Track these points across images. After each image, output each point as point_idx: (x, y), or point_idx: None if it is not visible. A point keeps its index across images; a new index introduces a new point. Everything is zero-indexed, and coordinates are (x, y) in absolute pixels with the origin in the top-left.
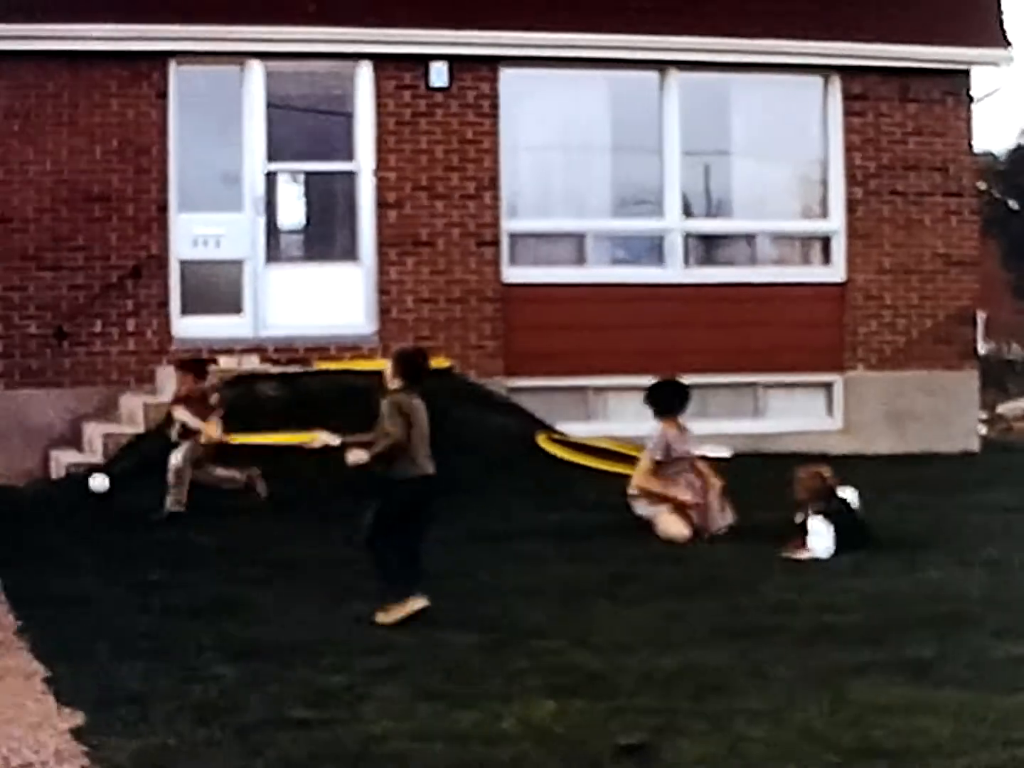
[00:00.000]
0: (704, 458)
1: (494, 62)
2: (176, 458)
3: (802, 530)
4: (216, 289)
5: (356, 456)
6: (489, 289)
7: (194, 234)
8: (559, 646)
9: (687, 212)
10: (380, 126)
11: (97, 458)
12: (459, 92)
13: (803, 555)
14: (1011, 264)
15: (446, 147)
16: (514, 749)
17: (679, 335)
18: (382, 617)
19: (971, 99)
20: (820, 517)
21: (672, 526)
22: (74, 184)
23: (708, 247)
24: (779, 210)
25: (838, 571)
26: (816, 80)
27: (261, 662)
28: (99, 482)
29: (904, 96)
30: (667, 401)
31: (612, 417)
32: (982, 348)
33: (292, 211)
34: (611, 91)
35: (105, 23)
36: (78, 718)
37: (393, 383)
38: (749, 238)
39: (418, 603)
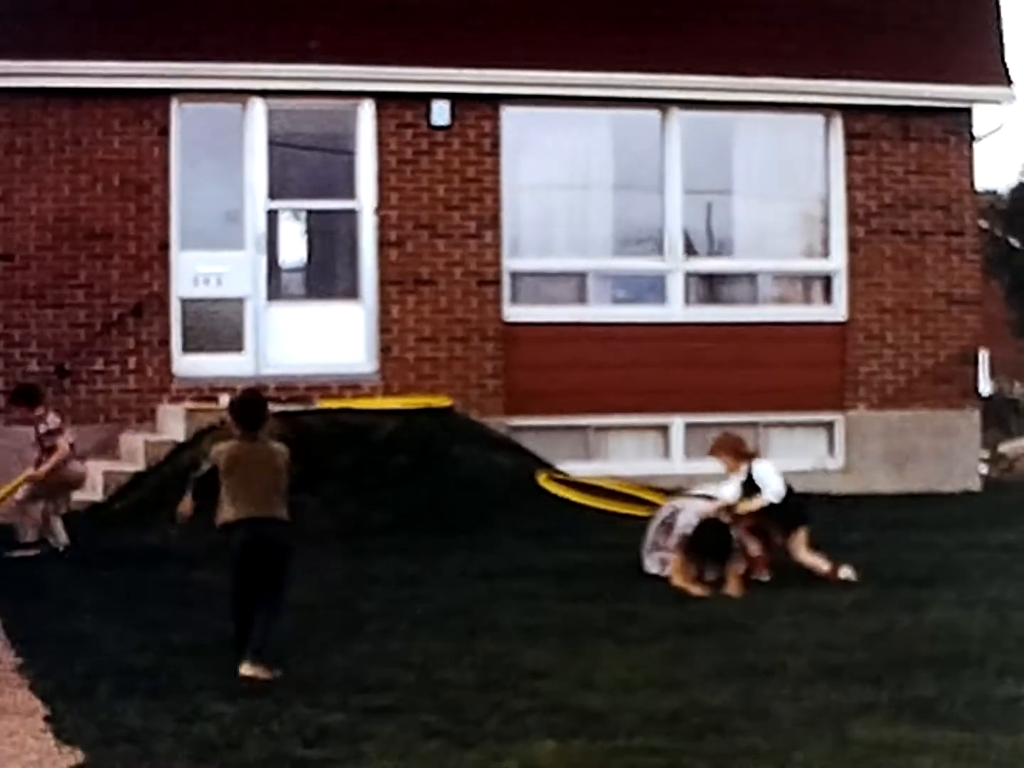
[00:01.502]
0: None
1: (496, 100)
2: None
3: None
4: (217, 327)
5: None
6: (490, 328)
7: (196, 272)
8: (559, 686)
9: (689, 251)
10: (382, 164)
11: (98, 495)
12: (461, 130)
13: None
14: (1014, 303)
15: (448, 186)
16: None
17: (680, 374)
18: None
19: (973, 137)
20: (764, 463)
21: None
22: (76, 221)
23: (710, 286)
24: (781, 249)
25: (838, 610)
26: (818, 119)
27: (260, 700)
28: None
29: (906, 134)
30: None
31: (613, 456)
32: (986, 387)
33: (294, 249)
34: (613, 129)
35: (108, 61)
36: (78, 756)
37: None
38: (751, 277)
39: (247, 671)
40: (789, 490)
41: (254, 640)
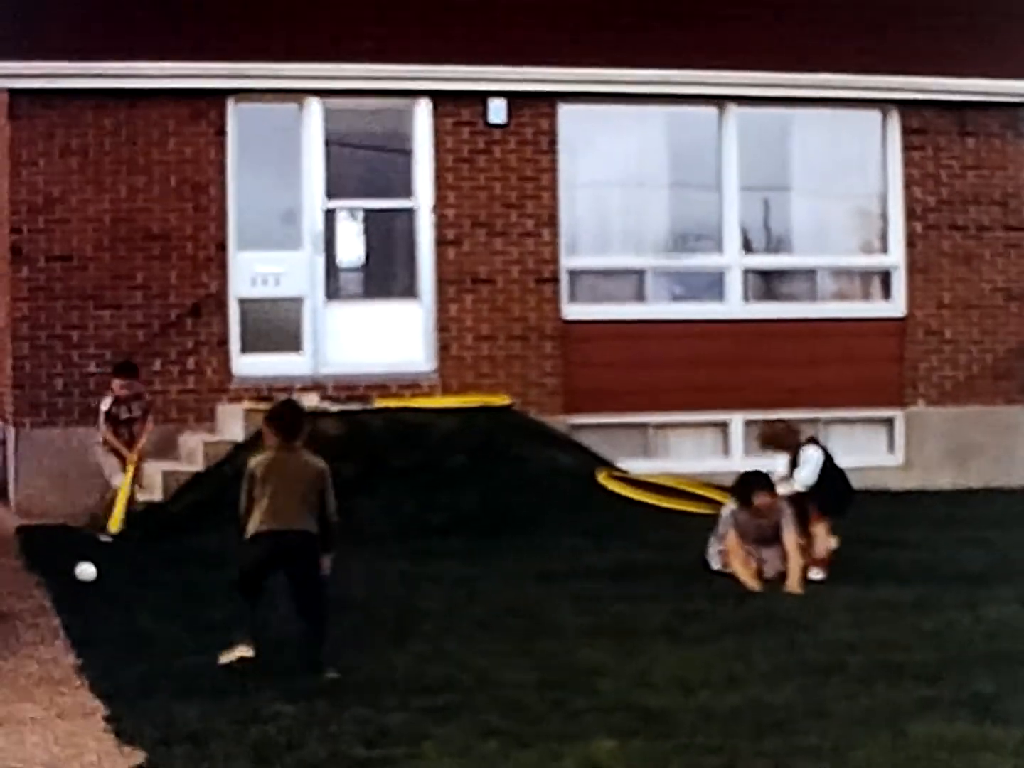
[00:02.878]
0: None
1: (552, 98)
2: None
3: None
4: (275, 327)
5: None
6: (549, 326)
7: (253, 272)
8: (618, 685)
9: (746, 247)
10: (439, 163)
11: (157, 496)
12: (517, 128)
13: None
14: None
15: (505, 184)
16: None
17: (739, 371)
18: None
19: None
20: (811, 449)
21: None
22: (133, 222)
23: (768, 282)
24: (839, 245)
25: (897, 608)
26: (875, 114)
27: (320, 701)
28: (84, 569)
29: (963, 130)
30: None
31: (673, 454)
32: None
33: (351, 248)
34: (669, 126)
35: (163, 61)
36: (139, 757)
37: (270, 442)
38: (809, 273)
39: (239, 651)
40: (842, 481)
41: (309, 651)
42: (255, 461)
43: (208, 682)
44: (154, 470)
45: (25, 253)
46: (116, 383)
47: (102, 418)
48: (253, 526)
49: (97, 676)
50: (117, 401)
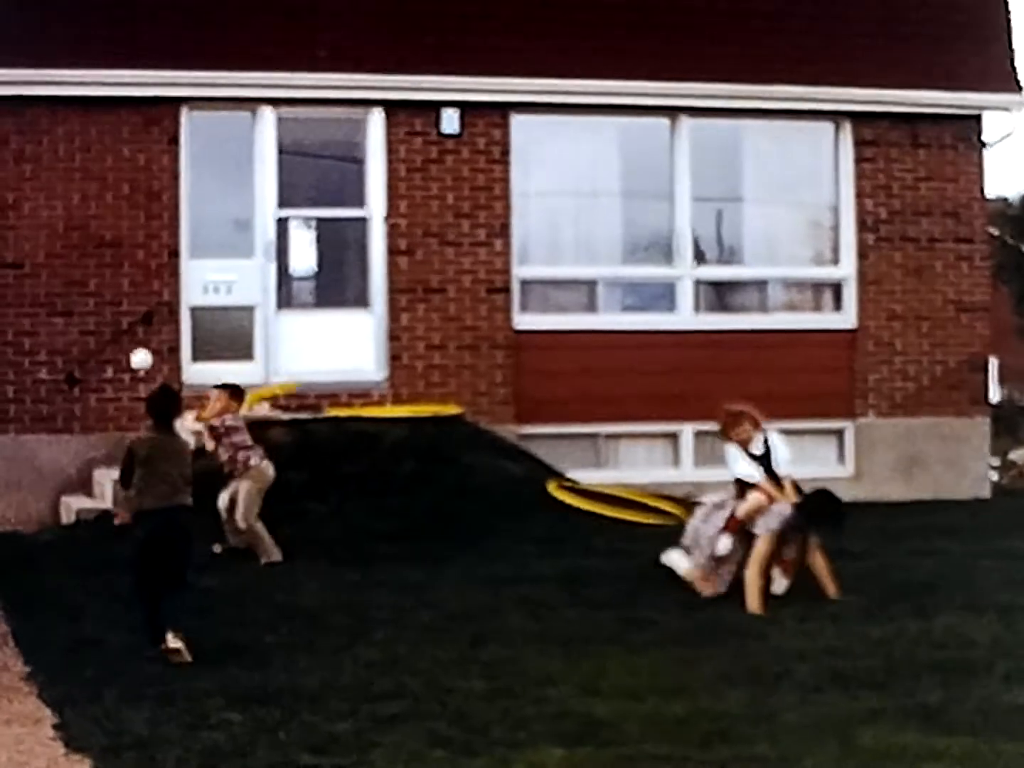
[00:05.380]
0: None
1: (505, 108)
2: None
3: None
4: (227, 335)
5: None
6: (500, 336)
7: (205, 280)
8: (566, 693)
9: (698, 258)
10: (391, 172)
11: (107, 503)
12: (470, 138)
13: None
14: (1023, 310)
15: (457, 193)
16: None
17: (690, 381)
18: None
19: (982, 144)
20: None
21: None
22: (85, 229)
23: (719, 293)
24: (790, 256)
25: (846, 617)
26: (827, 126)
27: (268, 708)
28: (141, 357)
29: (915, 141)
30: None
31: (623, 464)
32: (995, 394)
33: (303, 257)
34: (622, 137)
35: (117, 69)
36: (86, 764)
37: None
38: (760, 284)
39: (174, 645)
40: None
41: (171, 616)
42: (137, 442)
43: (156, 689)
44: (105, 478)
45: None
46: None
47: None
48: (148, 503)
49: (45, 682)
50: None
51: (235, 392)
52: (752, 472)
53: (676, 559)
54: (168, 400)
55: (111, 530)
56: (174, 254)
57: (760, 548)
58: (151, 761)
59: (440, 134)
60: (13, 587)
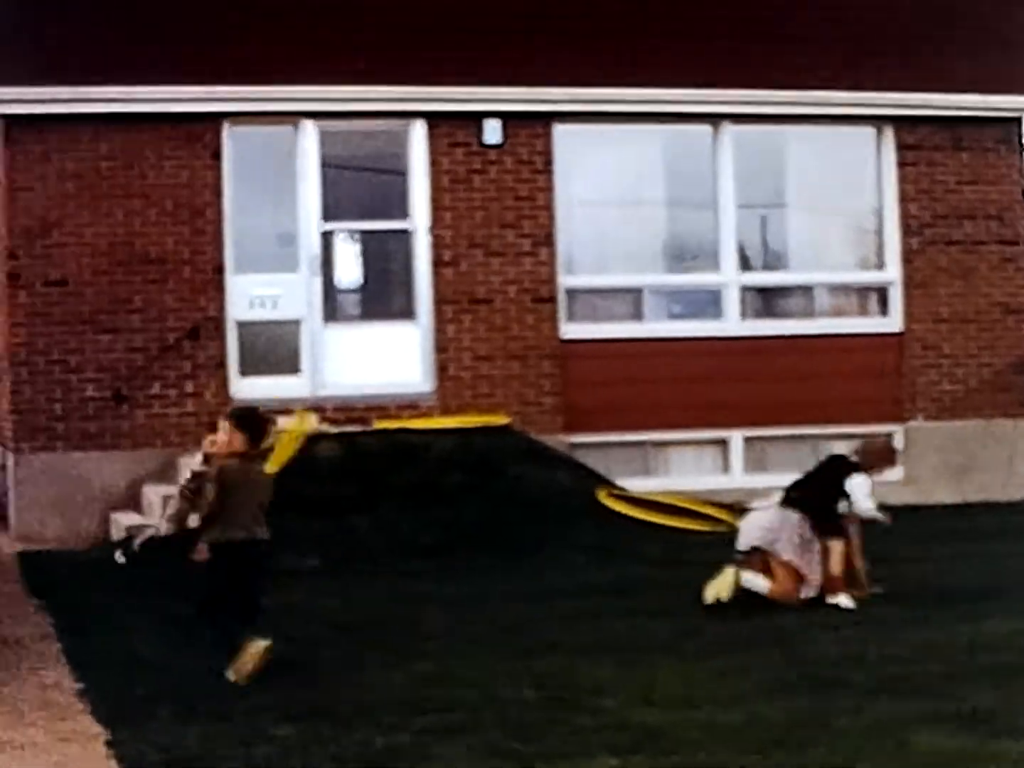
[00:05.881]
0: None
1: (547, 118)
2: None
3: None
4: (274, 349)
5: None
6: (547, 345)
7: (251, 295)
8: (621, 702)
9: (744, 265)
10: (434, 184)
11: (156, 520)
12: (513, 149)
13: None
14: None
15: (501, 204)
16: None
17: (737, 388)
18: (234, 675)
19: (1023, 147)
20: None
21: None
22: (130, 246)
23: (765, 299)
24: (836, 261)
25: (897, 622)
26: (869, 131)
27: (321, 722)
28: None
29: (957, 145)
30: None
31: (672, 471)
32: None
33: (348, 270)
34: (665, 145)
35: (158, 85)
36: None
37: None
38: (806, 290)
39: (260, 643)
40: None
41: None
42: (227, 468)
43: (211, 704)
44: (153, 494)
45: (22, 278)
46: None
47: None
48: (231, 534)
49: (99, 700)
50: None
51: (244, 422)
52: (876, 513)
53: (753, 579)
54: (262, 422)
55: (159, 546)
56: (219, 269)
57: (840, 547)
58: None
59: (482, 145)
60: (65, 604)
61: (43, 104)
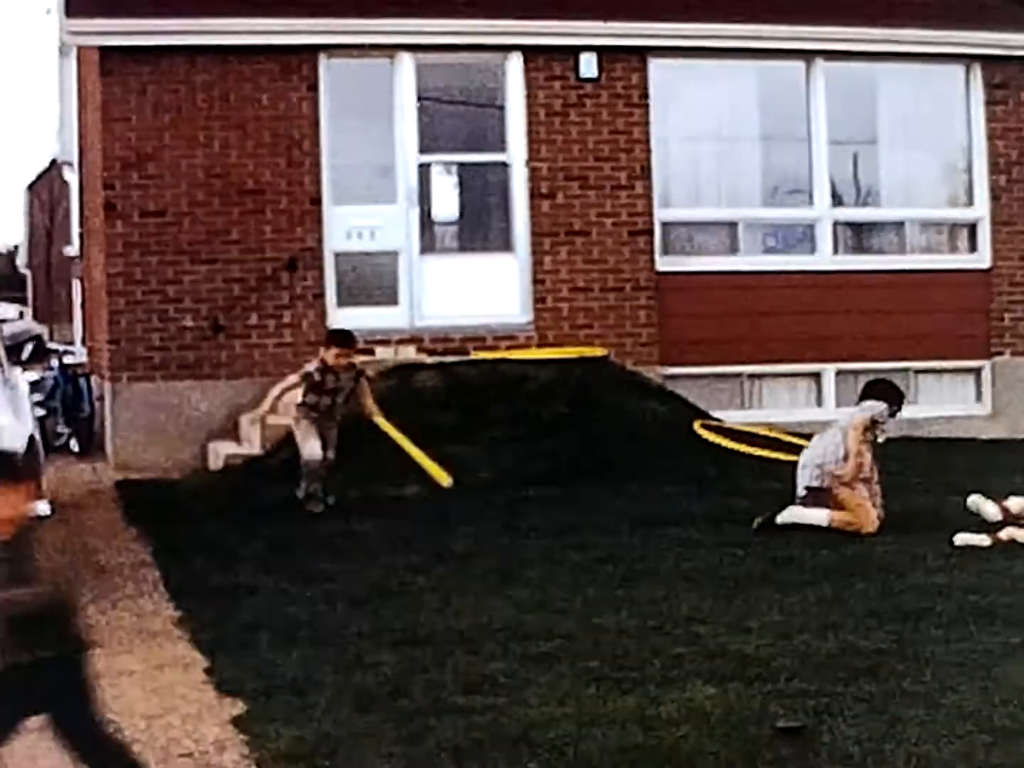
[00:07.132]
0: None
1: (643, 53)
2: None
3: None
4: (371, 281)
5: None
6: (643, 278)
7: (348, 226)
8: (717, 631)
9: (836, 200)
10: (531, 117)
11: (255, 449)
12: (609, 83)
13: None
14: None
15: (597, 137)
16: (674, 733)
17: (830, 322)
18: None
19: None
20: None
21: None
22: (227, 178)
23: (857, 235)
24: (926, 198)
25: (986, 553)
26: (958, 69)
27: (421, 649)
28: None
29: None
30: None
31: (767, 404)
32: None
33: (446, 202)
34: (759, 81)
35: (254, 17)
36: (238, 707)
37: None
38: (897, 226)
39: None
40: None
41: None
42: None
43: (309, 632)
44: (252, 425)
45: (119, 209)
46: (332, 352)
47: (302, 382)
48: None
49: (196, 628)
50: (326, 369)
51: (337, 338)
52: None
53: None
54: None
55: (258, 475)
56: (316, 201)
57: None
58: (304, 704)
59: (579, 79)
60: (163, 533)
61: (139, 36)
